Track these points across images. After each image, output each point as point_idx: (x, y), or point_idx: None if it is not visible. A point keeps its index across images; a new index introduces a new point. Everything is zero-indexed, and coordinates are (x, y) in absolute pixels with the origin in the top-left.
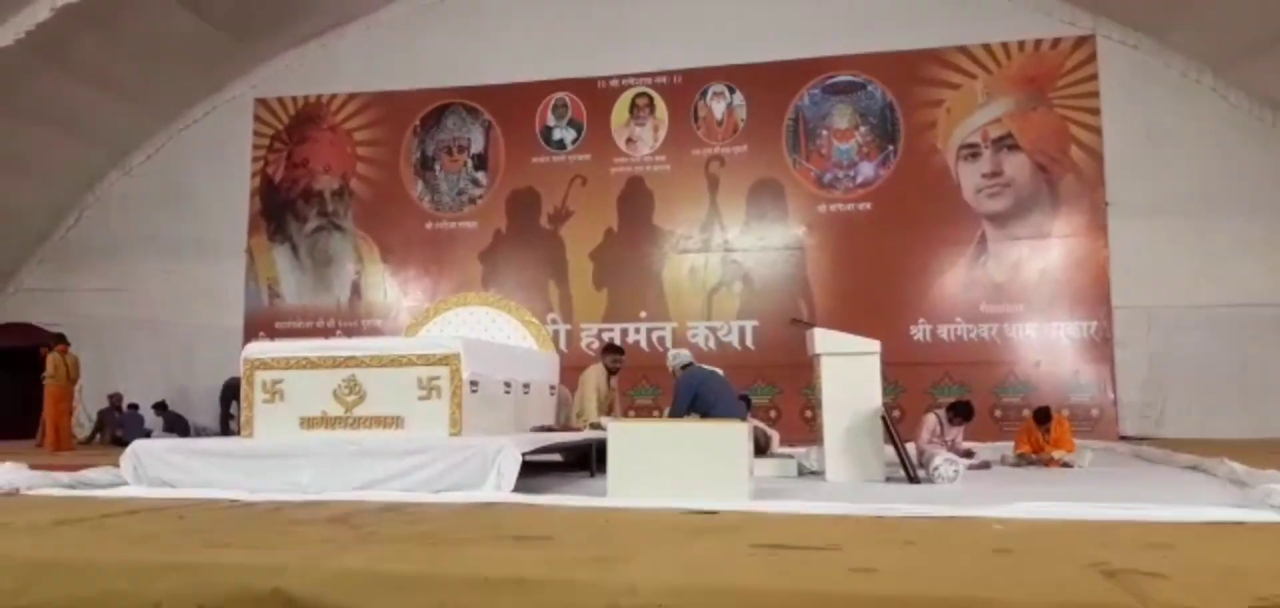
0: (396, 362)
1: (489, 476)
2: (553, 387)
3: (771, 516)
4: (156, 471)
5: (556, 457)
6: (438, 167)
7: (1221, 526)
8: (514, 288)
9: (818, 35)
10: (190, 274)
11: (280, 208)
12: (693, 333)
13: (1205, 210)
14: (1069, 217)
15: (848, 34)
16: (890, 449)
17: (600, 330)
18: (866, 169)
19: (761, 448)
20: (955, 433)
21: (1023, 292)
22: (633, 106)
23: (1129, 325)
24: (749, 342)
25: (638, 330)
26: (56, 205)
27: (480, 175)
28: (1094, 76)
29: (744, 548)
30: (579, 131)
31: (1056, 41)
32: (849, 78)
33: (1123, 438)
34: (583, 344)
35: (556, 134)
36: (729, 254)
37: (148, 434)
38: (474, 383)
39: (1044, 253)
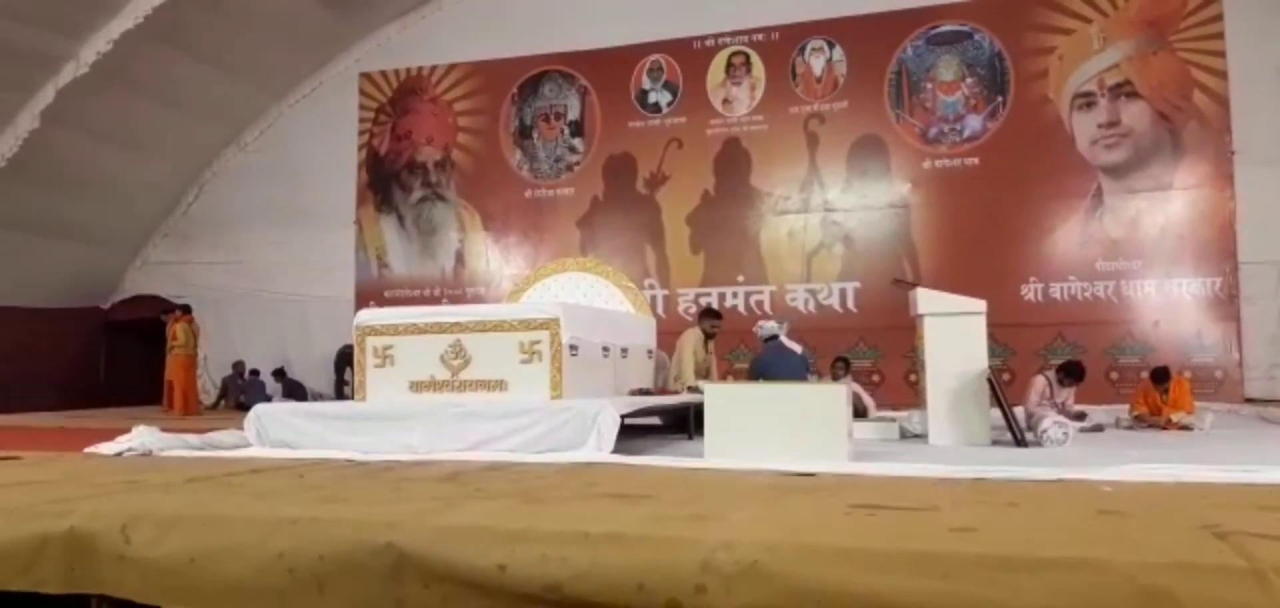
0: (499, 327)
1: (589, 437)
2: (650, 351)
3: (870, 477)
4: (278, 433)
5: (655, 420)
6: (535, 134)
7: None
8: (611, 253)
9: None
10: (303, 246)
11: (386, 180)
12: (792, 296)
13: None
14: (1192, 167)
15: None
16: (996, 412)
17: (697, 295)
18: (974, 122)
19: (859, 413)
20: (1066, 395)
21: (1141, 247)
22: (728, 66)
23: (1256, 281)
24: (850, 304)
25: (735, 294)
26: (177, 182)
27: (577, 142)
28: (1219, 17)
29: (841, 508)
30: (674, 94)
31: None
32: (955, 27)
33: (1248, 401)
34: (680, 309)
35: (652, 97)
36: (829, 215)
37: (268, 399)
38: (573, 347)
39: (1165, 206)
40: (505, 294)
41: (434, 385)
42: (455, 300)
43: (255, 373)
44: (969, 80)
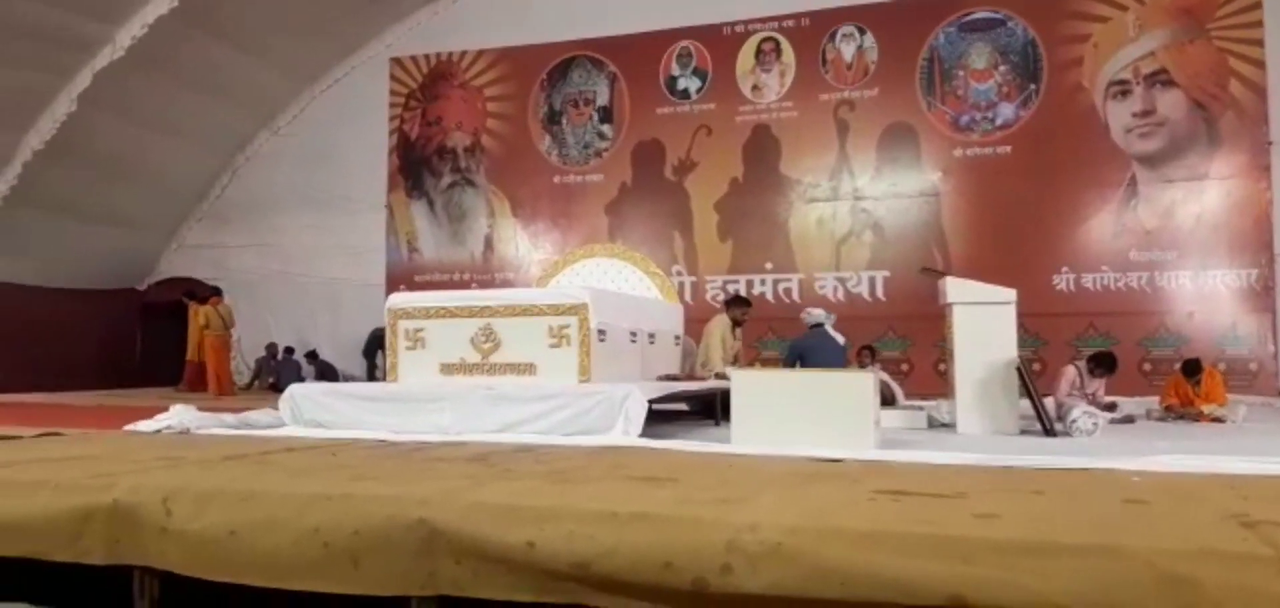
0: (528, 311)
1: (617, 421)
2: (678, 337)
3: (896, 464)
4: (312, 413)
5: (682, 406)
6: (564, 120)
7: None
8: (639, 240)
9: None
10: (335, 230)
11: (416, 164)
12: (821, 284)
13: None
14: (1228, 157)
15: None
16: (1026, 402)
17: (725, 282)
18: (1006, 110)
19: (887, 401)
20: (1096, 385)
21: (1176, 238)
22: (758, 52)
23: None
24: (880, 292)
25: (763, 282)
26: (211, 165)
27: (606, 128)
28: (1258, 5)
29: (866, 493)
30: (703, 80)
31: None
32: (987, 14)
33: None
34: (707, 296)
35: (681, 83)
36: (859, 202)
37: (302, 380)
38: (601, 332)
39: (1200, 196)
40: (533, 279)
41: (464, 368)
42: (484, 285)
43: (289, 350)
44: (1002, 68)
